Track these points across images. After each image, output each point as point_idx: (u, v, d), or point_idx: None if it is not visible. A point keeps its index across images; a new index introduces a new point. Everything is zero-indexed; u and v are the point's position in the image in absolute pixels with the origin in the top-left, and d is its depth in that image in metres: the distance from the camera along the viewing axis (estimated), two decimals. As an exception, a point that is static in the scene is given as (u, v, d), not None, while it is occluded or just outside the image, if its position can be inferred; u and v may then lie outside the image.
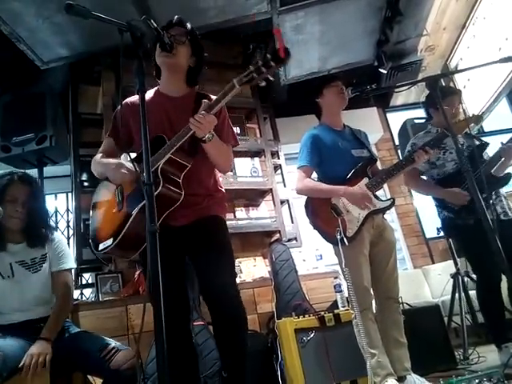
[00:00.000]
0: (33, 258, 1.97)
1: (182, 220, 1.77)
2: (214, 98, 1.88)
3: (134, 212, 1.63)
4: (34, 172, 3.34)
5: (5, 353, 1.61)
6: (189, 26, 1.87)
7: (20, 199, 1.96)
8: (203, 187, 1.86)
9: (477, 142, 2.75)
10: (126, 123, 1.82)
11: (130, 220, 1.64)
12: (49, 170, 3.50)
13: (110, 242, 1.68)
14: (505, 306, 2.61)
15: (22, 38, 3.17)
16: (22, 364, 1.65)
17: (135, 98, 1.87)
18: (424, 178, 2.82)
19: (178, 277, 1.77)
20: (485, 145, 2.72)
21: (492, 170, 2.61)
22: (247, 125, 4.33)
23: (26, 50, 3.28)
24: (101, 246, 1.72)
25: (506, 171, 2.65)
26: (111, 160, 1.80)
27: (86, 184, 3.67)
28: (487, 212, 2.24)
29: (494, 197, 2.63)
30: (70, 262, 2.08)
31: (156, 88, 1.94)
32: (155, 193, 1.54)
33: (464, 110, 2.81)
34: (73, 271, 2.13)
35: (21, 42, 3.19)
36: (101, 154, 1.89)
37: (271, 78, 1.51)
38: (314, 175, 2.50)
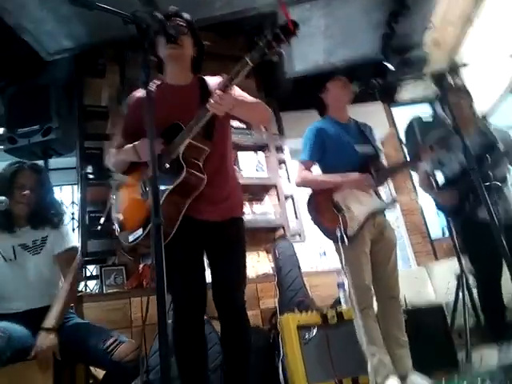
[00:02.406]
0: (34, 240, 2.00)
1: (206, 215, 1.76)
2: (210, 78, 1.90)
3: (162, 198, 1.59)
4: (39, 163, 3.35)
5: (10, 334, 1.64)
6: (186, 16, 1.87)
7: (28, 185, 1.99)
8: (226, 178, 1.85)
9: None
10: (136, 118, 1.79)
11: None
12: (54, 162, 3.51)
13: (140, 232, 1.68)
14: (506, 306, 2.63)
15: (27, 29, 3.17)
16: (32, 355, 1.68)
17: (143, 92, 1.86)
18: (431, 178, 2.89)
19: (197, 268, 1.79)
20: (492, 146, 2.67)
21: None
22: (252, 119, 4.31)
23: (30, 41, 3.28)
24: (131, 238, 1.72)
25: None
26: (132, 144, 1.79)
27: (91, 176, 3.68)
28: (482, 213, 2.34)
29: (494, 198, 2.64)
30: (73, 242, 2.09)
31: (161, 80, 1.93)
32: (179, 179, 1.60)
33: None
34: (79, 253, 2.13)
35: (26, 33, 3.19)
36: (115, 149, 1.90)
37: (283, 52, 1.51)
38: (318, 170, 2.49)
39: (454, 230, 2.92)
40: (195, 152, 1.71)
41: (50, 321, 1.80)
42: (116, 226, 1.85)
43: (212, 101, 1.59)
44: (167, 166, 1.68)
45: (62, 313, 1.86)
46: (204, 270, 1.83)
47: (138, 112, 1.78)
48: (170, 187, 1.61)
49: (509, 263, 2.25)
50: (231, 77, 1.62)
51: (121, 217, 1.85)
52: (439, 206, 2.85)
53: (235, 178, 1.94)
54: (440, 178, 2.88)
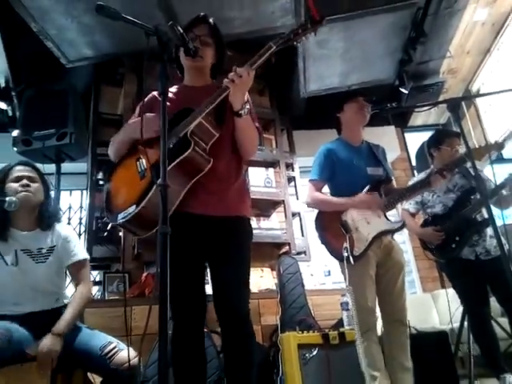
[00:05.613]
0: (39, 248, 1.93)
1: (204, 208, 1.66)
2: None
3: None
4: (51, 167, 3.39)
5: (12, 335, 1.63)
6: (211, 21, 1.90)
7: (24, 177, 1.95)
8: (231, 169, 1.78)
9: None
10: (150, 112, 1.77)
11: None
12: (65, 167, 3.55)
13: (132, 209, 1.56)
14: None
15: (50, 35, 3.25)
16: (32, 355, 1.67)
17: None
18: (415, 217, 3.08)
19: (197, 274, 1.70)
20: (474, 189, 2.71)
21: (473, 214, 2.70)
22: (264, 135, 4.35)
23: (52, 47, 3.36)
24: (120, 216, 1.60)
25: (485, 216, 2.65)
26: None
27: (101, 182, 3.71)
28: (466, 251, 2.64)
29: (476, 237, 2.69)
30: (83, 253, 2.05)
31: (179, 83, 1.96)
32: (185, 154, 1.53)
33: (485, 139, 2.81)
34: (88, 262, 2.08)
35: (48, 39, 3.27)
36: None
37: (305, 39, 1.63)
38: (327, 190, 2.49)
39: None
40: (204, 134, 1.65)
41: (61, 326, 1.77)
42: (105, 205, 1.75)
43: (235, 72, 1.59)
44: (171, 145, 1.58)
45: (73, 320, 1.83)
46: (204, 277, 1.73)
47: (155, 107, 1.75)
48: (174, 162, 1.52)
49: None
50: (254, 60, 1.65)
51: (114, 196, 1.75)
52: (423, 245, 2.90)
53: (243, 180, 1.85)
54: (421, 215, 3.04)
